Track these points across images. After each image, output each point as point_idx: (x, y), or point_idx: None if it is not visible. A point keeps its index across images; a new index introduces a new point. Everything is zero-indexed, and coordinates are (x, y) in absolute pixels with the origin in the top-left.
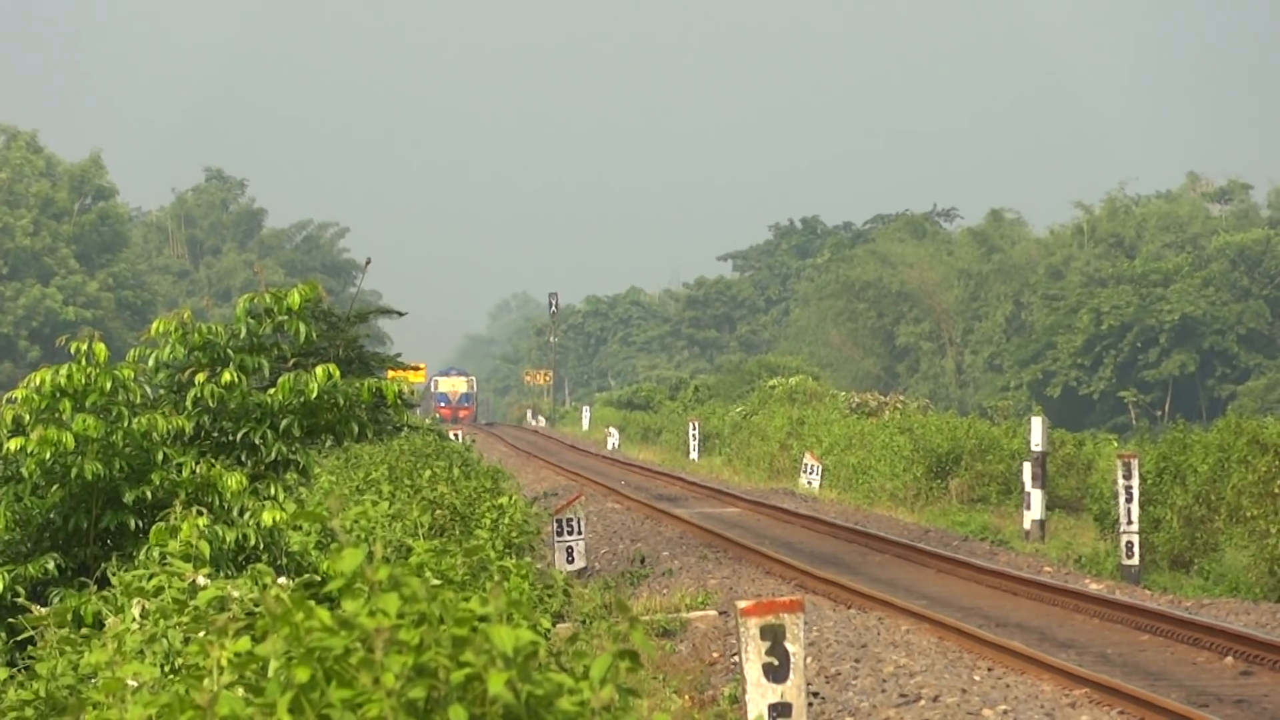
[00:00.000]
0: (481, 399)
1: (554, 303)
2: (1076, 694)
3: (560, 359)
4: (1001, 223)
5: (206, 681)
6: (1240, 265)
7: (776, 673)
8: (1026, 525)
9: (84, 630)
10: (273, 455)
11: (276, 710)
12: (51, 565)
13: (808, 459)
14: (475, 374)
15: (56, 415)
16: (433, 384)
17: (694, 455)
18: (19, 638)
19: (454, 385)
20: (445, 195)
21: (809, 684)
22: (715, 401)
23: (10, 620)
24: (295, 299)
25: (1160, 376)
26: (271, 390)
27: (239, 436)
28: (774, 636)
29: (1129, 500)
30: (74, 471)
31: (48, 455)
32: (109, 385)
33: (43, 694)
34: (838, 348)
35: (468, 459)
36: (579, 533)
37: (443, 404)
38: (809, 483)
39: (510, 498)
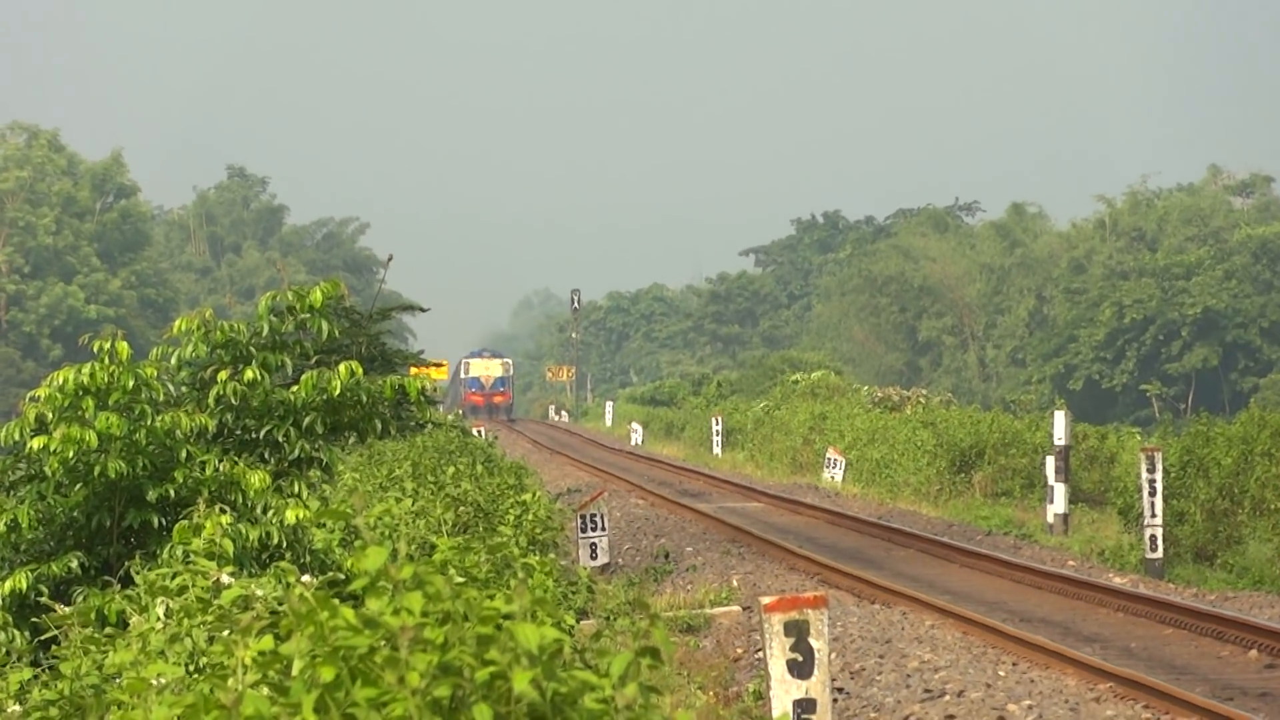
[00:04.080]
0: None
1: (576, 299)
2: (1101, 688)
3: (583, 355)
4: (1023, 216)
5: (231, 681)
6: (1263, 258)
7: (801, 669)
8: (1050, 519)
9: (108, 630)
10: (296, 453)
11: (301, 710)
12: (75, 564)
13: (831, 454)
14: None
15: (80, 413)
16: (462, 367)
17: (717, 450)
18: (43, 637)
19: (487, 369)
20: (466, 191)
21: (833, 680)
22: (738, 397)
23: (34, 620)
24: (318, 296)
25: (1183, 370)
26: (294, 388)
27: (262, 434)
28: (798, 632)
29: (1152, 494)
30: (97, 470)
31: (71, 454)
32: (132, 383)
33: (67, 694)
34: (860, 342)
35: (491, 455)
36: (602, 529)
37: (474, 390)
38: (832, 477)
39: (534, 494)
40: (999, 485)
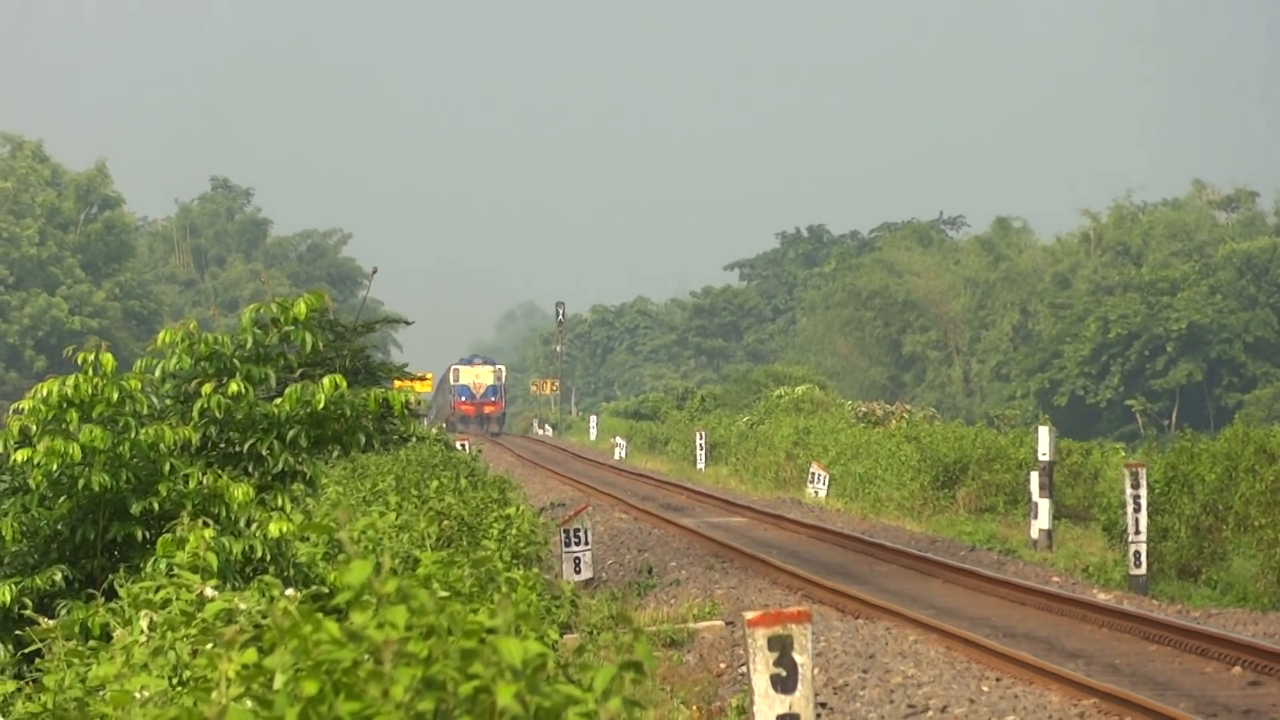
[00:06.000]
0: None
1: (561, 311)
2: (1085, 704)
3: (567, 368)
4: (1008, 231)
5: (214, 694)
6: (1247, 273)
7: (784, 683)
8: (1034, 535)
9: (91, 642)
10: (279, 466)
11: None
12: (59, 577)
13: (814, 468)
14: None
15: (64, 426)
16: (451, 374)
17: (701, 465)
18: (26, 650)
19: (478, 376)
20: (451, 204)
21: (817, 695)
22: (721, 411)
23: (18, 632)
24: (301, 309)
25: (1167, 385)
26: (278, 400)
27: (246, 447)
28: (781, 647)
29: (1137, 510)
30: (81, 483)
31: (55, 466)
32: (116, 396)
33: (50, 706)
34: (844, 357)
35: (475, 469)
36: (586, 543)
37: (464, 399)
38: (815, 492)
39: (517, 508)
40: (983, 501)
